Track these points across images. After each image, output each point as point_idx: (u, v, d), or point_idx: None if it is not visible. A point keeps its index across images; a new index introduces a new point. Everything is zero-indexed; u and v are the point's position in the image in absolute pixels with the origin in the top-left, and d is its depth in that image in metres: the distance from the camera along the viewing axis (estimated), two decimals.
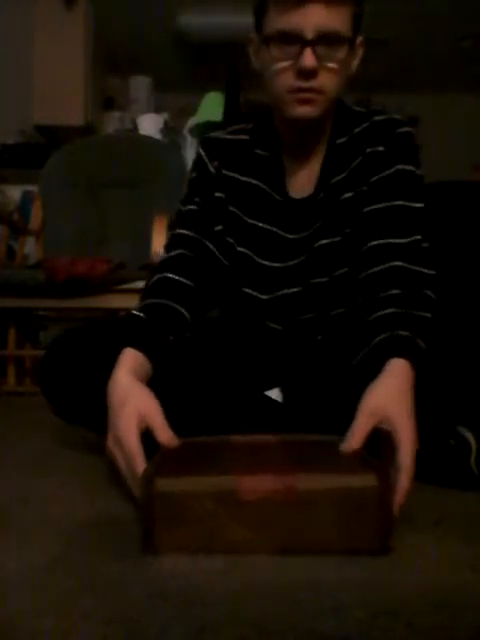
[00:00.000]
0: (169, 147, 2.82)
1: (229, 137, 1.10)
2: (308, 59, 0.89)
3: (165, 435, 0.80)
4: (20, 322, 2.38)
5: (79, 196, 2.54)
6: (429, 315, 0.90)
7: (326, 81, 0.93)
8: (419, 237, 0.97)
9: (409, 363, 0.82)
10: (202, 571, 0.65)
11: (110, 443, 0.82)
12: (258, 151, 1.07)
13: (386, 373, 0.81)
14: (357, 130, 1.03)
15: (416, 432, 0.77)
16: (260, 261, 1.07)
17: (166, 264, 1.04)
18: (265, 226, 1.06)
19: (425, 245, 0.97)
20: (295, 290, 1.07)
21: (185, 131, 3.01)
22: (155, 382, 0.90)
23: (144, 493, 0.69)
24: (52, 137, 3.60)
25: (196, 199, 1.08)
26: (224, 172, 1.08)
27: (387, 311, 0.90)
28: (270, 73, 0.95)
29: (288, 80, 0.93)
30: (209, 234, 1.07)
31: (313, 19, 0.89)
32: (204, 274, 1.05)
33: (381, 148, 1.01)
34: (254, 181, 1.07)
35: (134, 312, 0.97)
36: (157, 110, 3.80)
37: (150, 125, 3.34)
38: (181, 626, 0.53)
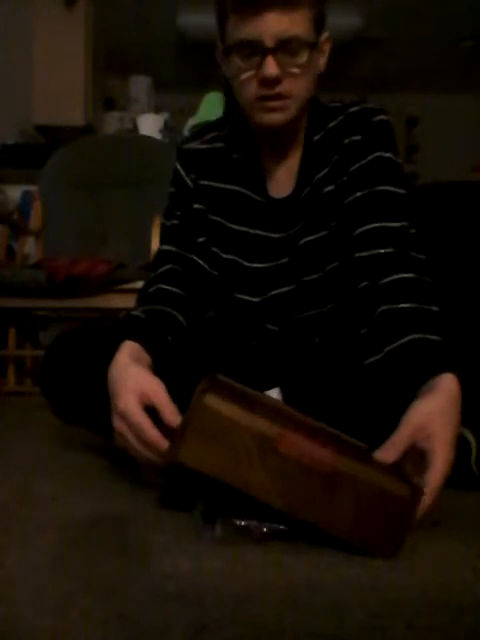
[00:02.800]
0: (169, 147, 2.81)
1: (204, 147, 1.09)
2: (270, 67, 0.89)
3: (168, 411, 0.80)
4: (20, 322, 2.38)
5: (79, 196, 2.53)
6: (438, 309, 0.89)
7: (291, 86, 0.93)
8: (406, 223, 0.97)
9: (457, 380, 0.80)
10: (202, 571, 0.65)
11: (116, 421, 0.82)
12: (235, 155, 1.07)
13: (436, 391, 0.78)
14: (332, 124, 1.03)
15: (452, 460, 0.75)
16: (248, 265, 1.07)
17: (157, 278, 1.05)
18: (249, 230, 1.06)
19: (413, 231, 0.97)
20: (287, 289, 1.07)
21: (185, 131, 3.01)
22: None
23: (193, 402, 0.71)
24: (52, 137, 3.59)
25: (177, 213, 1.09)
26: (202, 183, 1.08)
27: (403, 306, 0.88)
28: (236, 82, 0.96)
29: (252, 89, 0.93)
30: (193, 247, 1.08)
31: (271, 27, 0.88)
32: (194, 286, 1.06)
33: (358, 137, 1.01)
34: (233, 187, 1.06)
35: (133, 313, 0.98)
36: (157, 110, 3.80)
37: (150, 125, 3.33)
38: (181, 626, 0.53)
